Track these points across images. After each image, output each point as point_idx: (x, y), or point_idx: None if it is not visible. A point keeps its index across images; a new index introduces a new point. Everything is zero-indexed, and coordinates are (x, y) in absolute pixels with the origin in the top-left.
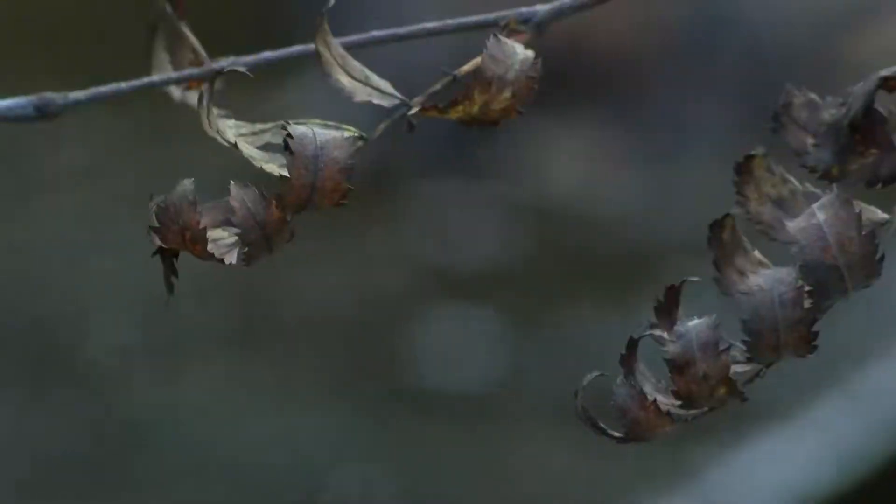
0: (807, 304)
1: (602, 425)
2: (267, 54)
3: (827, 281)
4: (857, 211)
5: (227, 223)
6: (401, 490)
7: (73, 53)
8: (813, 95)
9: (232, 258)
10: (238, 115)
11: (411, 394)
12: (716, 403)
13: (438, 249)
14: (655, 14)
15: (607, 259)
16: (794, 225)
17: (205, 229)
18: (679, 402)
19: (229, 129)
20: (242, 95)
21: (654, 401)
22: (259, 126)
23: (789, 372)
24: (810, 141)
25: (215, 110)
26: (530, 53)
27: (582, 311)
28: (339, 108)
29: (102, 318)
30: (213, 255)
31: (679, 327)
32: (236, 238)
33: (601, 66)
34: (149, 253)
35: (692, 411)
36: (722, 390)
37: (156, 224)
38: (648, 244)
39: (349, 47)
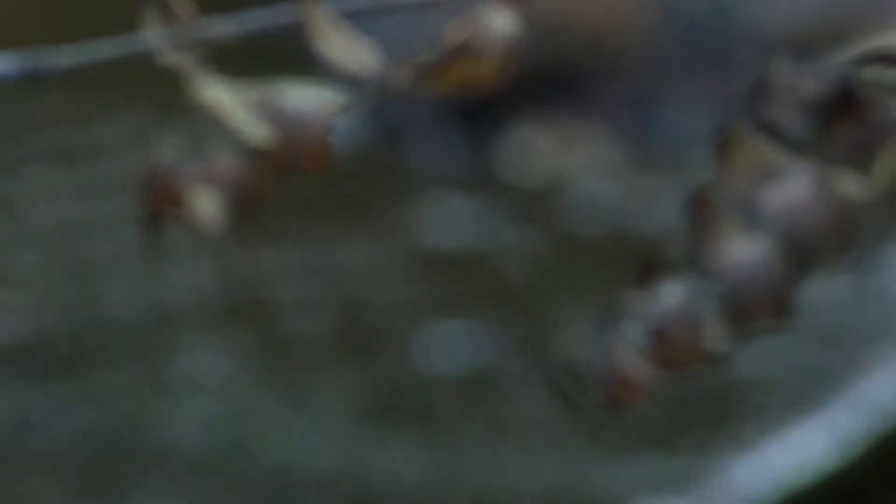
0: (783, 274)
1: (574, 396)
2: (251, 21)
3: (803, 252)
4: (833, 183)
5: (212, 186)
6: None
7: (68, 24)
8: (792, 69)
9: (215, 222)
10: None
11: (410, 381)
12: (692, 372)
13: (435, 245)
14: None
15: (600, 254)
16: (770, 196)
17: (188, 193)
18: (655, 371)
19: (217, 94)
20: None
21: (631, 370)
22: (246, 91)
23: (793, 378)
24: (789, 113)
25: (205, 74)
26: (514, 24)
27: (578, 305)
28: None
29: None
30: (196, 218)
31: (656, 297)
32: (220, 201)
33: (598, 60)
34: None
35: (668, 380)
36: (698, 359)
37: (142, 187)
38: (643, 237)
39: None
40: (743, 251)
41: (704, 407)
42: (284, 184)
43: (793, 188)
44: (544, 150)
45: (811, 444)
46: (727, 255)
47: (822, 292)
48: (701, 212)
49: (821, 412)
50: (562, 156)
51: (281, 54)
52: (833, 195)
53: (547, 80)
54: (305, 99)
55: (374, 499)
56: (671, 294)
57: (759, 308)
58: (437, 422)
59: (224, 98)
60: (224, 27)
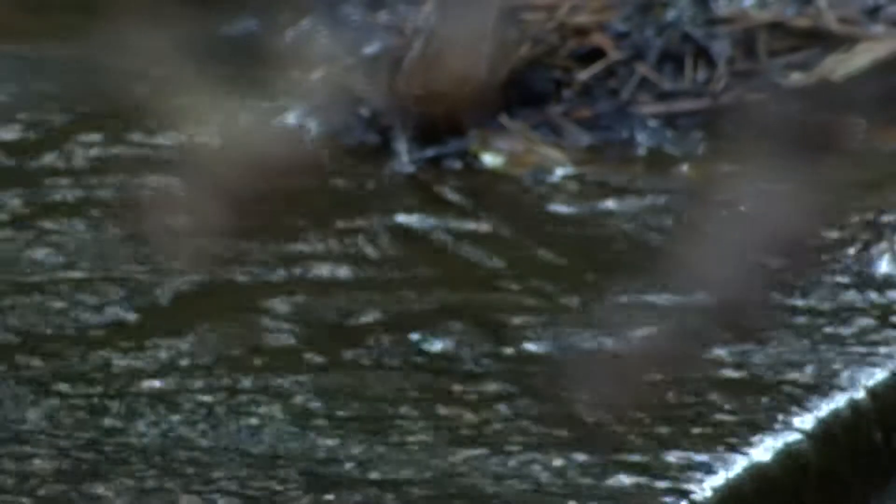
0: (769, 288)
1: (580, 406)
2: (232, 29)
3: (789, 266)
4: (812, 199)
5: (206, 223)
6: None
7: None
8: (771, 91)
9: (209, 257)
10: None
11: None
12: (680, 377)
13: (409, 234)
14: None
15: (575, 244)
16: (754, 210)
17: (182, 229)
18: (642, 372)
19: (201, 106)
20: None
21: (616, 373)
22: (226, 102)
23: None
24: (766, 131)
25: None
26: (492, 25)
27: (557, 295)
28: None
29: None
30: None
31: (646, 335)
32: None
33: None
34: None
35: (658, 385)
36: (688, 364)
37: (138, 220)
38: (615, 232)
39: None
40: (731, 264)
41: (699, 406)
42: (266, 184)
43: (775, 202)
44: (519, 140)
45: (800, 441)
46: (714, 269)
47: (815, 292)
48: (687, 228)
49: (814, 411)
50: (536, 147)
51: (258, 60)
52: (816, 210)
53: (524, 72)
54: (273, 132)
55: (354, 491)
56: (653, 299)
57: (746, 321)
58: (414, 416)
59: (209, 110)
60: (205, 34)
